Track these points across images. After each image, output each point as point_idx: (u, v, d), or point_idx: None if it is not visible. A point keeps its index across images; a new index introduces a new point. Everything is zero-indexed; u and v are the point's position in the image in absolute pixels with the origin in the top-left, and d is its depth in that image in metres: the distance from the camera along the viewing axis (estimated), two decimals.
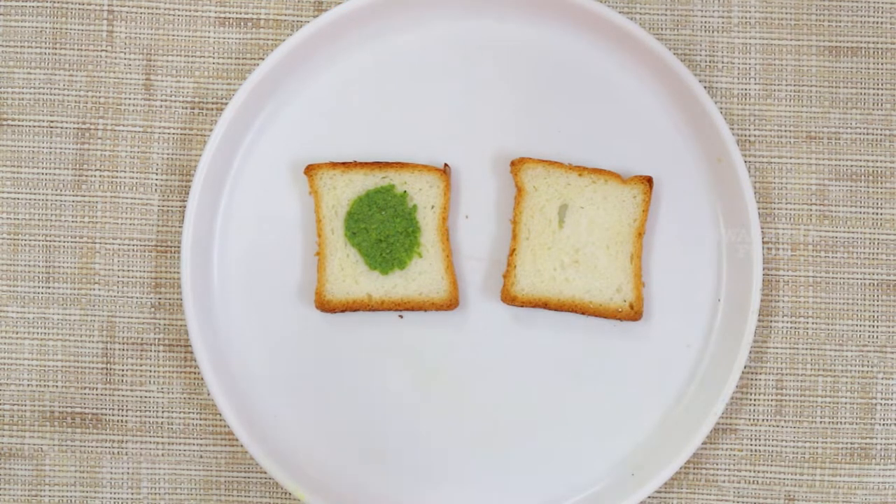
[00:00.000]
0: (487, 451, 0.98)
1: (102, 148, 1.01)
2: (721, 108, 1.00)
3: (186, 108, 1.01)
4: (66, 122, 1.00)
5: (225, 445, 1.00)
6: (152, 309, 1.00)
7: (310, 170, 0.98)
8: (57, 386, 1.00)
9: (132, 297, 1.00)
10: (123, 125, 1.00)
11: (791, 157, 1.00)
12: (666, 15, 1.01)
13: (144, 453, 1.00)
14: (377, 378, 0.99)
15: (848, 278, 1.00)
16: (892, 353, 1.00)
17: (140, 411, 1.00)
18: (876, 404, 1.00)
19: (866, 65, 1.01)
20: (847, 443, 1.00)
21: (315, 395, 0.99)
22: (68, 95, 1.00)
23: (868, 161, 1.00)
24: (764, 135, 1.00)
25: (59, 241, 1.00)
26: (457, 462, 0.98)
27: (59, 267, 1.00)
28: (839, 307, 1.00)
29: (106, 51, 1.01)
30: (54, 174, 1.00)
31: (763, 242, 0.99)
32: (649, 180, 0.97)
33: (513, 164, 0.97)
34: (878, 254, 1.00)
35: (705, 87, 0.98)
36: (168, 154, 1.00)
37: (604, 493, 0.98)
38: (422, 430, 0.99)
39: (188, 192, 0.98)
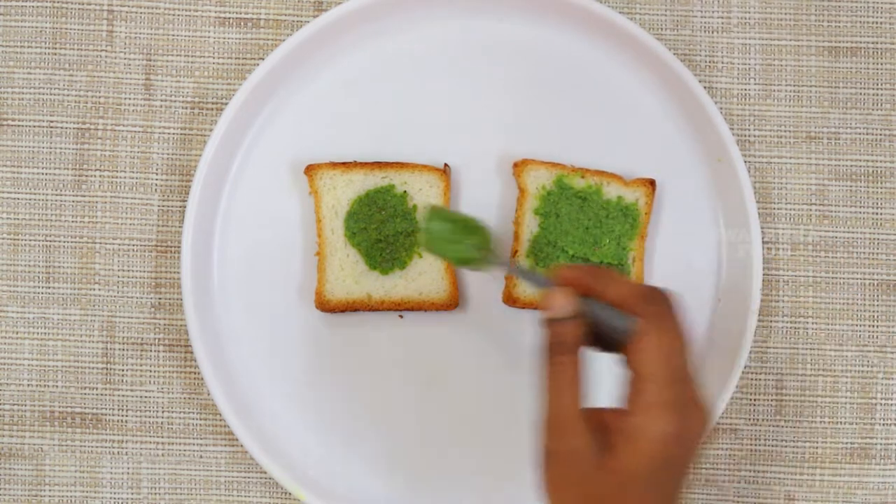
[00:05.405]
0: (487, 451, 0.98)
1: (102, 148, 1.00)
2: (721, 108, 1.00)
3: (186, 108, 1.01)
4: (66, 122, 1.00)
5: (225, 445, 1.00)
6: (152, 309, 1.00)
7: (310, 170, 0.98)
8: (57, 386, 1.00)
9: (132, 297, 1.00)
10: (123, 125, 1.00)
11: (791, 157, 1.00)
12: (666, 15, 1.01)
13: (144, 453, 1.00)
14: (377, 378, 0.99)
15: (848, 278, 1.00)
16: (892, 353, 1.00)
17: (140, 411, 1.00)
18: (876, 404, 1.00)
19: (866, 65, 1.01)
20: (847, 443, 1.00)
21: (315, 394, 0.99)
22: (68, 95, 1.00)
23: (868, 161, 1.00)
24: (764, 135, 1.00)
25: (59, 241, 1.00)
26: (456, 462, 0.98)
27: (59, 267, 1.00)
28: (839, 307, 1.00)
29: (106, 51, 1.01)
30: (54, 174, 1.00)
31: (763, 242, 0.99)
32: (652, 182, 0.97)
33: (516, 165, 0.97)
34: (878, 254, 1.00)
35: (705, 87, 0.98)
36: (168, 154, 1.00)
37: None
38: (422, 430, 0.99)
39: (188, 192, 0.98)
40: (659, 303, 0.76)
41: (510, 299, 0.97)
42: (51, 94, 1.00)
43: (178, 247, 0.99)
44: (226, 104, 0.99)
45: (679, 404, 0.74)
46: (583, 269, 0.80)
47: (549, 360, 0.77)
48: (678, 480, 0.75)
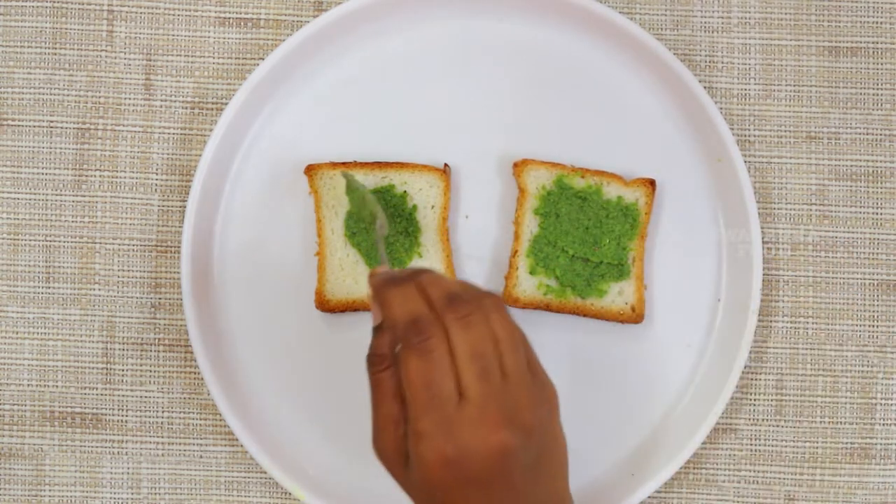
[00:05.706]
0: None
1: (102, 148, 1.00)
2: (721, 108, 1.00)
3: (186, 108, 1.01)
4: (66, 122, 1.00)
5: (225, 445, 1.00)
6: (152, 309, 1.00)
7: (310, 170, 0.98)
8: (57, 386, 1.00)
9: (132, 297, 1.00)
10: (123, 125, 1.00)
11: (791, 157, 1.00)
12: (666, 15, 1.01)
13: (144, 453, 1.00)
14: None
15: (848, 278, 1.00)
16: (892, 353, 1.00)
17: (140, 411, 1.00)
18: (876, 404, 1.00)
19: (866, 65, 1.01)
20: (847, 443, 1.00)
21: (315, 394, 0.99)
22: (68, 95, 1.00)
23: (868, 161, 1.00)
24: (764, 135, 1.00)
25: (59, 241, 1.00)
26: None
27: (59, 267, 1.00)
28: (839, 307, 1.00)
29: (106, 51, 1.01)
30: (54, 174, 1.00)
31: (763, 242, 0.99)
32: (652, 182, 0.97)
33: (516, 165, 0.97)
34: (878, 254, 1.00)
35: (705, 87, 0.98)
36: (168, 154, 1.00)
37: (604, 493, 0.98)
38: None
39: (188, 192, 0.98)
40: (420, 331, 0.74)
41: (511, 299, 0.97)
42: (51, 94, 1.00)
43: (178, 247, 0.99)
44: (226, 104, 0.99)
45: (441, 429, 0.73)
46: (374, 281, 0.79)
47: (369, 373, 0.77)
48: (479, 500, 0.74)
